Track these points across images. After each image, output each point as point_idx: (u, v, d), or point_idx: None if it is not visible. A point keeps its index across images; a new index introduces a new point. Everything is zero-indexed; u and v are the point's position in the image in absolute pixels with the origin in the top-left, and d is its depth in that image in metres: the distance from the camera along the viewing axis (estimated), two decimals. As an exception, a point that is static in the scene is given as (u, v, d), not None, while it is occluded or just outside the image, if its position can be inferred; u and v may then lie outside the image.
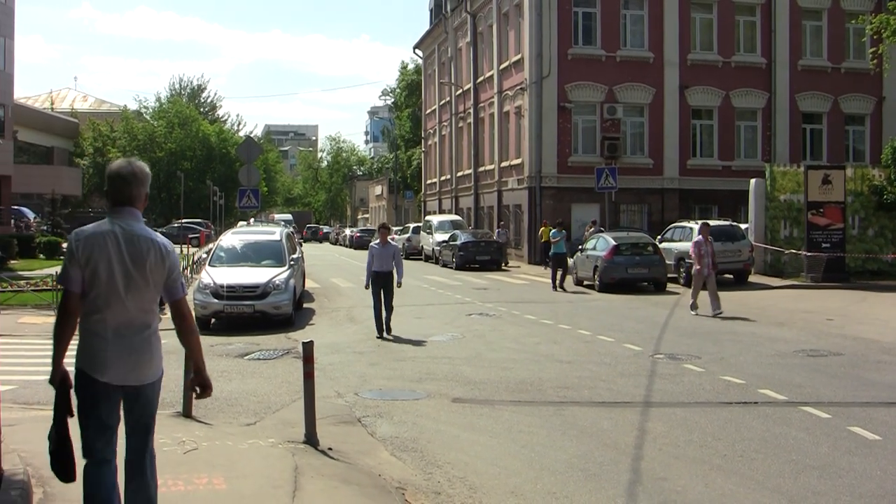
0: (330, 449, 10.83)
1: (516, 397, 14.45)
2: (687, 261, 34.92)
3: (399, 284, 22.67)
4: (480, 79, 62.35)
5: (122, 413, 7.02)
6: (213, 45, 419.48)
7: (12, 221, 59.25)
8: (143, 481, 7.01)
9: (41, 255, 51.74)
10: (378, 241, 23.01)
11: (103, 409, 6.87)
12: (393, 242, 23.55)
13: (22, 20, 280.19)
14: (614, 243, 34.27)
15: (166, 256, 6.92)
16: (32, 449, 9.61)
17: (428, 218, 64.21)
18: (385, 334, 21.97)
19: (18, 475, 8.18)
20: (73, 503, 8.15)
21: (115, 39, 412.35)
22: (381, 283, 22.34)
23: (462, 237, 49.13)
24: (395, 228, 72.70)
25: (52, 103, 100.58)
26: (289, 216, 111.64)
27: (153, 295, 6.99)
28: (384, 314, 22.26)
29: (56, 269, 33.31)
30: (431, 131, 78.73)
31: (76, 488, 8.46)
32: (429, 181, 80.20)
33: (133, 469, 7.03)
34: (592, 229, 33.52)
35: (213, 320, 24.45)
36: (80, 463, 7.10)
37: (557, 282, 34.95)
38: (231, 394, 14.72)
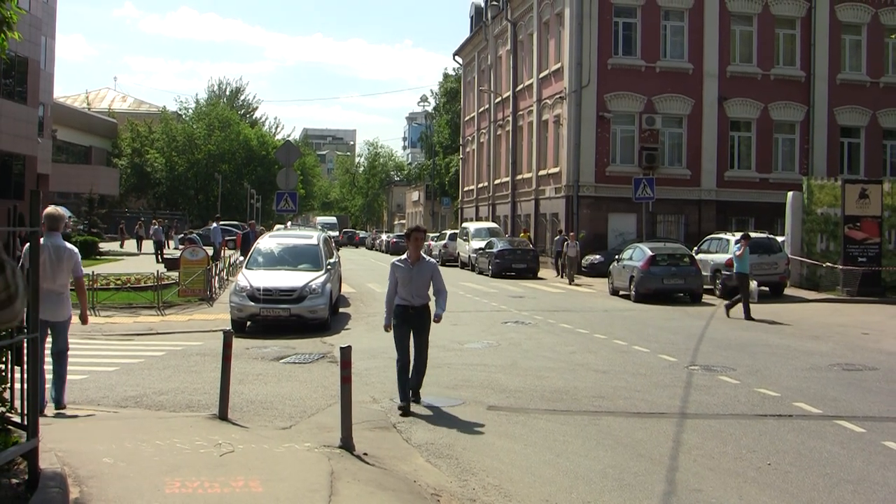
0: (365, 454, 10.87)
1: (551, 406, 14.45)
2: (724, 272, 34.90)
3: (438, 318, 14.45)
4: (520, 87, 62.37)
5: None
6: (255, 48, 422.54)
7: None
8: (63, 360, 12.93)
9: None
10: (407, 256, 14.64)
11: (41, 332, 10.68)
12: (429, 258, 15.14)
13: (63, 19, 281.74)
14: (651, 254, 34.21)
15: (72, 255, 12.80)
16: (69, 448, 9.70)
17: (465, 225, 64.19)
18: (411, 405, 14.10)
19: (56, 474, 8.25)
20: (110, 502, 8.23)
21: (156, 39, 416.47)
22: (411, 323, 14.37)
23: (498, 245, 49.18)
24: (431, 235, 72.76)
25: (89, 103, 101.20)
26: (333, 219, 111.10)
27: (66, 276, 12.80)
28: (412, 373, 14.41)
29: (92, 269, 33.54)
30: (470, 138, 78.76)
31: (112, 488, 8.52)
32: (466, 188, 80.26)
33: (56, 355, 12.86)
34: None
35: (248, 323, 24.55)
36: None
37: (742, 306, 28.51)
38: (267, 397, 14.79)
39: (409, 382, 14.29)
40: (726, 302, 29.67)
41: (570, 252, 44.00)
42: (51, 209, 12.77)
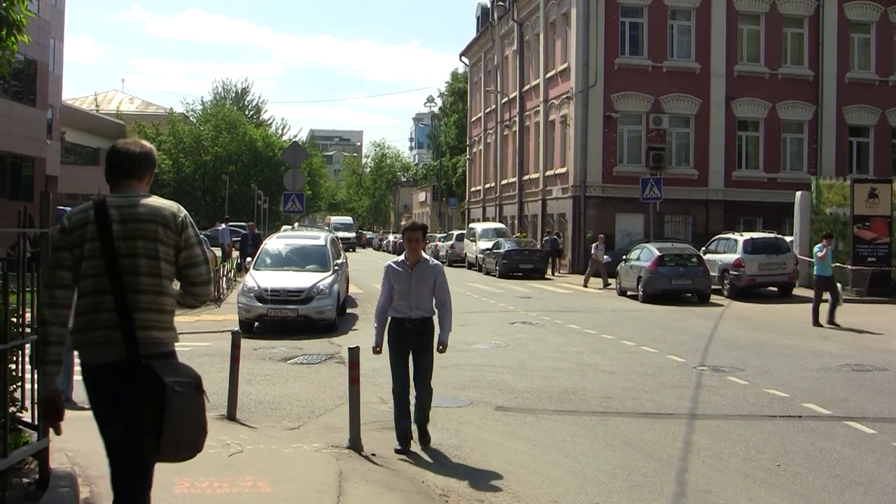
0: (373, 455, 10.87)
1: (559, 406, 14.45)
2: (731, 273, 34.86)
3: (443, 346, 11.77)
4: (526, 87, 62.34)
5: None
6: (262, 49, 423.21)
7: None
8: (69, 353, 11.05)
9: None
10: (404, 258, 11.87)
11: None
12: (434, 261, 12.10)
13: (72, 21, 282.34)
14: (658, 254, 34.17)
15: None
16: (79, 448, 9.68)
17: (472, 225, 64.25)
18: (411, 447, 11.67)
19: (66, 473, 8.26)
20: (119, 503, 8.22)
21: (163, 41, 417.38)
22: (409, 342, 11.66)
23: (505, 245, 49.22)
24: (438, 235, 72.60)
25: (97, 105, 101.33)
26: (349, 219, 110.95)
27: None
28: (413, 407, 11.79)
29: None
30: (477, 139, 78.74)
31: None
32: (473, 188, 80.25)
33: None
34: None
35: (256, 324, 24.55)
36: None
37: (826, 313, 26.37)
38: (275, 398, 14.80)
39: (414, 417, 11.83)
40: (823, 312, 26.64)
41: (598, 255, 43.31)
42: (53, 230, 13.17)
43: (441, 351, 11.73)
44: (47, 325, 5.84)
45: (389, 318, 11.73)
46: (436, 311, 11.85)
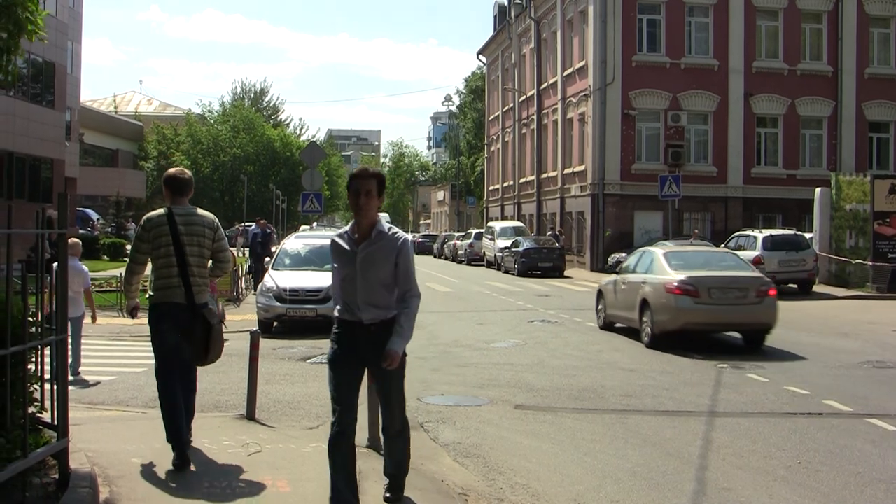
0: (392, 454, 10.85)
1: (579, 405, 14.40)
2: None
3: (389, 360, 7.77)
4: (544, 85, 62.33)
5: None
6: (280, 49, 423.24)
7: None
8: (76, 340, 16.39)
9: (105, 257, 52.23)
10: (350, 227, 8.08)
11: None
12: (397, 232, 8.01)
13: (90, 22, 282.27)
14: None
15: (82, 271, 16.87)
16: (98, 448, 9.71)
17: (490, 224, 64.25)
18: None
19: (86, 474, 8.27)
20: (139, 502, 8.25)
21: (182, 42, 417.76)
22: (360, 355, 8.02)
23: (524, 244, 49.20)
24: (457, 234, 72.57)
25: (116, 107, 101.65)
26: (384, 216, 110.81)
27: (78, 285, 16.76)
28: (385, 452, 8.83)
29: (120, 272, 33.55)
30: (494, 137, 78.76)
31: (141, 488, 8.54)
32: (491, 187, 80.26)
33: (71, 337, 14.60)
34: None
35: (275, 324, 24.50)
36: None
37: None
38: (294, 397, 14.78)
39: (385, 466, 8.74)
40: None
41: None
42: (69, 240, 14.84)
43: (388, 363, 7.80)
44: (131, 283, 10.57)
45: (337, 318, 8.14)
46: (398, 305, 8.02)
